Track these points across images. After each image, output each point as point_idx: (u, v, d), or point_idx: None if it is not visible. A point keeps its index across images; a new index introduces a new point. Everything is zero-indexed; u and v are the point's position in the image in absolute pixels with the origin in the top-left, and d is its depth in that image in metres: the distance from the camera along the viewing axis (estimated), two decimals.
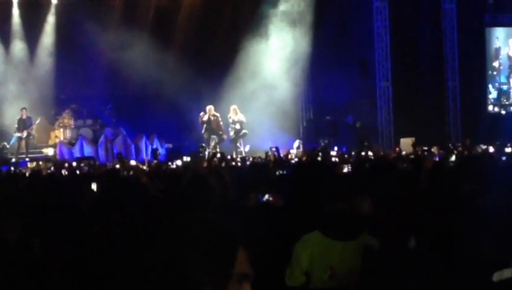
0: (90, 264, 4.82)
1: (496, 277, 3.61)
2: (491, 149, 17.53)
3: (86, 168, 16.94)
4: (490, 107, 27.91)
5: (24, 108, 22.26)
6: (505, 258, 3.64)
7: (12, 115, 22.63)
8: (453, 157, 13.36)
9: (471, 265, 3.84)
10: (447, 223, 5.52)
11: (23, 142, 22.35)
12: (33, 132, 22.67)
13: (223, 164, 11.73)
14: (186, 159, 18.77)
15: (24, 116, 22.16)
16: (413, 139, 21.64)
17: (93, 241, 5.34)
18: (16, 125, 22.16)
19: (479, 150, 17.38)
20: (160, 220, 1.97)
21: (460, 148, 16.89)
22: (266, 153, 17.94)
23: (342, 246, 4.41)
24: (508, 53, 28.09)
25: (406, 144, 21.57)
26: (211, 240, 1.94)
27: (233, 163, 15.81)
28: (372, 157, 15.81)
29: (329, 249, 4.39)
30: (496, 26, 27.79)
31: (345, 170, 10.02)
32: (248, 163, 14.74)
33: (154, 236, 1.98)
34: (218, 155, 17.74)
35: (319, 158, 13.55)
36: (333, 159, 14.16)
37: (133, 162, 18.74)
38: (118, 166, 15.75)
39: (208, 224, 1.99)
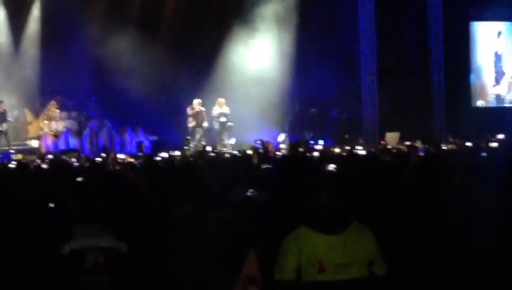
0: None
1: None
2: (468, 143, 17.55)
3: (74, 160, 16.81)
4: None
5: (1, 101, 22.01)
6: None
7: None
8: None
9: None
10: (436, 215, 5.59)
11: (2, 135, 22.00)
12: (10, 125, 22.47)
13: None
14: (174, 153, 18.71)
15: (1, 110, 21.87)
16: (398, 133, 21.84)
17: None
18: None
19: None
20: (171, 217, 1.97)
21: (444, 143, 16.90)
22: (251, 147, 17.85)
23: (330, 240, 4.44)
24: (492, 47, 28.18)
25: (392, 139, 21.67)
26: (224, 240, 1.93)
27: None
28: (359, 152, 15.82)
29: (318, 243, 4.43)
30: (481, 20, 27.85)
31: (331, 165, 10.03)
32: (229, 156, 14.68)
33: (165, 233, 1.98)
34: (208, 148, 17.79)
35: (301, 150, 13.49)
36: (316, 153, 14.06)
37: (121, 156, 18.66)
38: (99, 159, 15.67)
39: (223, 224, 1.98)
